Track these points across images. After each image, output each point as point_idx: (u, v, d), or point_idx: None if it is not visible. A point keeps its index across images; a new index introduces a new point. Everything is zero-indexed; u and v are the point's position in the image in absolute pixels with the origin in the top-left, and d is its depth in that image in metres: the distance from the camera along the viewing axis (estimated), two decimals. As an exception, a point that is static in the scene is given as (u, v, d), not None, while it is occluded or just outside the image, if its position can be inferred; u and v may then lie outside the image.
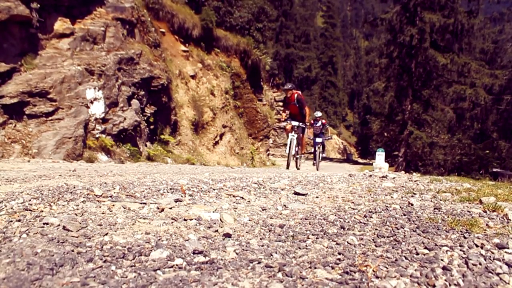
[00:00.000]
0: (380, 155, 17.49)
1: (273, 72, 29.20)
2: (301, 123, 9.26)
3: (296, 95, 9.19)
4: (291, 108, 9.41)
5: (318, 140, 12.87)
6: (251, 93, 19.95)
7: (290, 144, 8.94)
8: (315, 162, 12.54)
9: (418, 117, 25.34)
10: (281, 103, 29.78)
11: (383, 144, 25.69)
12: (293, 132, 9.17)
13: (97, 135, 8.30)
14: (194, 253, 1.42)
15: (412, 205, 2.39)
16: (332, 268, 1.32)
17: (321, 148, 12.93)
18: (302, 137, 9.65)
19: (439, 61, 23.81)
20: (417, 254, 1.46)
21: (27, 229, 1.56)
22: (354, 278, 1.23)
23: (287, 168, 8.82)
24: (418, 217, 2.05)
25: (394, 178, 4.20)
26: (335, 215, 2.10)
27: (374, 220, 2.00)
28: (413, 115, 25.32)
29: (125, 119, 9.16)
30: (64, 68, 7.95)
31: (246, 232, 1.76)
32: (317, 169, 12.32)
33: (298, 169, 9.95)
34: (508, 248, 1.49)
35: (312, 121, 13.39)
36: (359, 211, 2.23)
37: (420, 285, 1.20)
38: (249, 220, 2.00)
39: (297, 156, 9.78)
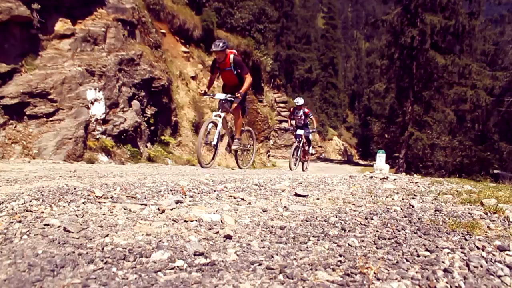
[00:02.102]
0: (381, 156, 17.48)
1: (273, 73, 29.22)
2: (229, 96, 6.52)
3: (232, 57, 6.51)
4: (226, 77, 6.80)
5: (299, 132, 10.56)
6: (251, 94, 19.96)
7: (206, 128, 6.19)
8: (295, 161, 10.28)
9: (419, 118, 25.35)
10: (282, 104, 29.64)
11: (384, 146, 25.71)
12: (220, 110, 6.50)
13: (97, 136, 8.31)
14: (195, 254, 1.42)
15: (413, 207, 2.39)
16: (333, 270, 1.32)
17: (301, 143, 10.60)
18: (238, 117, 6.88)
19: (440, 63, 23.82)
20: (418, 256, 1.46)
21: (28, 230, 1.56)
22: (355, 280, 1.23)
23: (202, 166, 6.39)
24: (419, 219, 2.05)
25: (395, 179, 4.19)
26: (336, 217, 2.10)
27: (375, 222, 2.00)
28: (414, 116, 25.33)
29: (125, 120, 9.17)
30: (64, 69, 7.96)
31: (247, 234, 1.76)
32: (303, 170, 10.78)
33: (241, 168, 7.51)
34: (509, 250, 1.49)
35: (291, 109, 11.29)
36: (360, 213, 2.22)
37: (421, 287, 1.20)
38: (250, 221, 2.00)
39: (234, 147, 7.08)
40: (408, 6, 25.22)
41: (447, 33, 24.97)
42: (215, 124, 6.44)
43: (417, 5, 24.69)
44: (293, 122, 10.98)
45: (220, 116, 6.46)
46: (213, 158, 6.95)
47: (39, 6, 7.67)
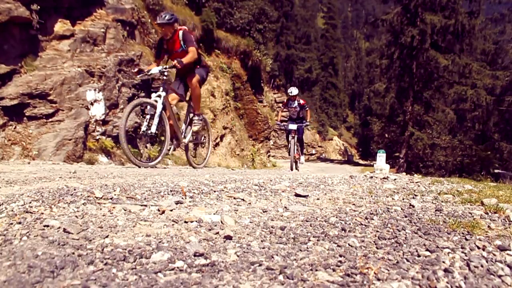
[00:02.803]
0: (381, 156, 17.48)
1: (273, 74, 29.27)
2: (167, 67, 5.40)
3: (181, 33, 5.61)
4: (174, 55, 5.70)
5: (292, 126, 9.56)
6: (251, 95, 19.97)
7: (130, 111, 4.91)
8: (290, 159, 9.56)
9: (419, 118, 25.38)
10: (281, 104, 29.60)
11: (384, 146, 25.74)
12: (161, 89, 5.33)
13: (97, 137, 8.31)
14: (195, 255, 1.42)
15: (413, 206, 2.38)
16: (334, 270, 1.32)
17: (295, 138, 9.62)
18: (195, 87, 5.76)
19: (440, 62, 23.85)
20: (419, 256, 1.45)
21: (28, 232, 1.55)
22: (355, 281, 1.23)
23: (135, 164, 5.09)
24: (419, 219, 2.04)
25: (395, 179, 4.19)
26: (336, 217, 2.10)
27: (375, 222, 2.00)
28: (414, 116, 25.35)
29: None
30: (64, 70, 7.96)
31: (247, 234, 1.76)
32: (296, 169, 9.95)
33: (195, 167, 6.26)
34: (509, 250, 1.49)
35: (284, 101, 10.39)
36: (360, 213, 2.22)
37: (421, 287, 1.20)
38: (250, 222, 2.00)
39: (196, 128, 5.98)
40: (408, 6, 25.23)
41: (447, 33, 24.98)
42: (154, 107, 5.16)
43: (417, 4, 24.71)
44: (284, 114, 10.24)
45: (160, 97, 5.25)
46: (160, 153, 5.52)
47: (39, 7, 7.67)
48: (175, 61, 5.23)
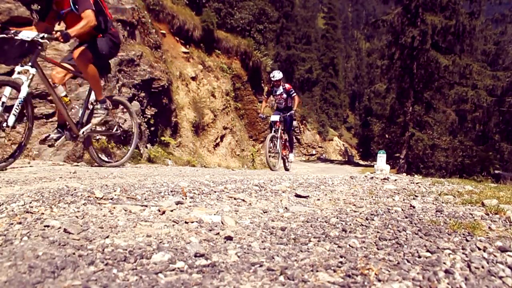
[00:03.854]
0: (382, 157, 17.44)
1: (274, 74, 29.19)
2: (44, 35, 3.91)
3: None
4: (70, 27, 4.26)
5: (275, 118, 7.99)
6: (252, 95, 19.95)
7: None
8: (273, 156, 7.89)
9: (419, 119, 25.34)
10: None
11: (385, 146, 25.68)
12: (32, 61, 3.99)
13: (97, 137, 8.29)
14: (195, 256, 1.42)
15: (414, 207, 2.38)
16: (334, 271, 1.32)
17: (279, 132, 8.05)
18: (85, 69, 4.52)
19: (440, 63, 23.79)
20: (419, 257, 1.45)
21: (28, 232, 1.55)
22: (356, 282, 1.23)
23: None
24: (420, 219, 2.04)
25: (395, 180, 4.19)
26: (337, 218, 2.10)
27: (376, 222, 2.00)
28: (414, 117, 25.31)
29: (125, 120, 9.15)
30: (65, 70, 7.95)
31: (248, 235, 1.76)
32: (286, 169, 8.63)
33: (101, 164, 5.15)
34: (510, 251, 1.49)
35: (269, 88, 8.76)
36: (360, 213, 2.22)
37: (422, 288, 1.19)
38: (251, 222, 1.99)
39: (93, 123, 4.73)
40: (409, 6, 25.19)
41: (447, 33, 24.94)
42: (16, 88, 3.74)
43: (417, 5, 24.67)
44: (269, 103, 8.74)
45: (26, 72, 3.79)
46: (15, 154, 3.96)
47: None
48: (58, 33, 3.81)
